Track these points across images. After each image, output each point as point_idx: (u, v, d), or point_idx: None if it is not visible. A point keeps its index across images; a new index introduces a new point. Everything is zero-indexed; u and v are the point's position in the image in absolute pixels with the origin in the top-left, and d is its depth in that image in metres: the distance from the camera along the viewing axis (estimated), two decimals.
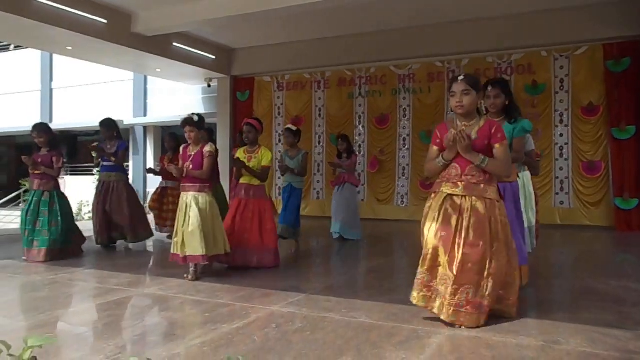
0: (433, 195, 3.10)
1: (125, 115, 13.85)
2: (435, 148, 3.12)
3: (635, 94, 7.97)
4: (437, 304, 2.95)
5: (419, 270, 3.02)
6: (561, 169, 8.57)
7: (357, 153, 8.97)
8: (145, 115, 14.07)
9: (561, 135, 8.60)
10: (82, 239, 5.76)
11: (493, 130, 3.00)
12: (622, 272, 4.81)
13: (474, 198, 2.95)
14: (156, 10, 8.15)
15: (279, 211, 6.22)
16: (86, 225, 6.32)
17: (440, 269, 2.93)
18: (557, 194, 8.56)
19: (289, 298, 3.67)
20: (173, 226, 4.60)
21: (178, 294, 3.83)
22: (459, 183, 2.98)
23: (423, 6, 8.11)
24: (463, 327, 2.88)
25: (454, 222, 2.93)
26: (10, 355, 1.24)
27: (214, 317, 3.19)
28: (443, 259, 2.92)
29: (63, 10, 7.33)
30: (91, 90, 14.74)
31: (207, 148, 4.42)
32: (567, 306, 3.55)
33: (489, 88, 3.71)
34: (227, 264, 4.72)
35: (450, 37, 8.81)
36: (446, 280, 2.89)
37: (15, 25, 7.29)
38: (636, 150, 7.97)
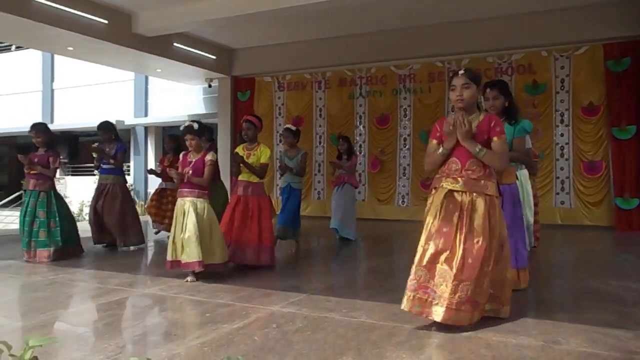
0: (434, 191, 3.10)
1: (126, 116, 13.88)
2: (434, 142, 3.13)
3: (635, 94, 7.97)
4: (435, 309, 2.85)
5: (415, 268, 2.93)
6: (562, 169, 8.58)
7: (358, 154, 8.99)
8: (146, 115, 14.08)
9: (562, 135, 8.60)
10: (79, 245, 5.74)
11: (492, 124, 3.02)
12: (622, 272, 4.81)
13: (474, 194, 2.95)
14: (157, 10, 8.16)
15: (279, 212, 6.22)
16: (85, 226, 6.32)
17: (439, 266, 2.91)
18: (558, 194, 8.56)
19: (289, 298, 3.67)
20: (170, 224, 4.61)
21: (178, 294, 3.84)
22: (459, 178, 2.98)
23: (423, 6, 8.11)
24: (459, 326, 2.86)
25: (455, 218, 2.93)
26: (12, 355, 1.24)
27: (214, 317, 3.19)
28: (443, 255, 2.91)
29: (63, 10, 7.34)
30: (92, 90, 14.76)
31: (209, 157, 4.44)
32: (567, 306, 3.55)
33: (487, 90, 3.71)
34: (224, 272, 4.64)
35: (450, 37, 8.81)
36: (445, 277, 2.87)
37: (15, 26, 7.30)
38: (637, 150, 7.97)
